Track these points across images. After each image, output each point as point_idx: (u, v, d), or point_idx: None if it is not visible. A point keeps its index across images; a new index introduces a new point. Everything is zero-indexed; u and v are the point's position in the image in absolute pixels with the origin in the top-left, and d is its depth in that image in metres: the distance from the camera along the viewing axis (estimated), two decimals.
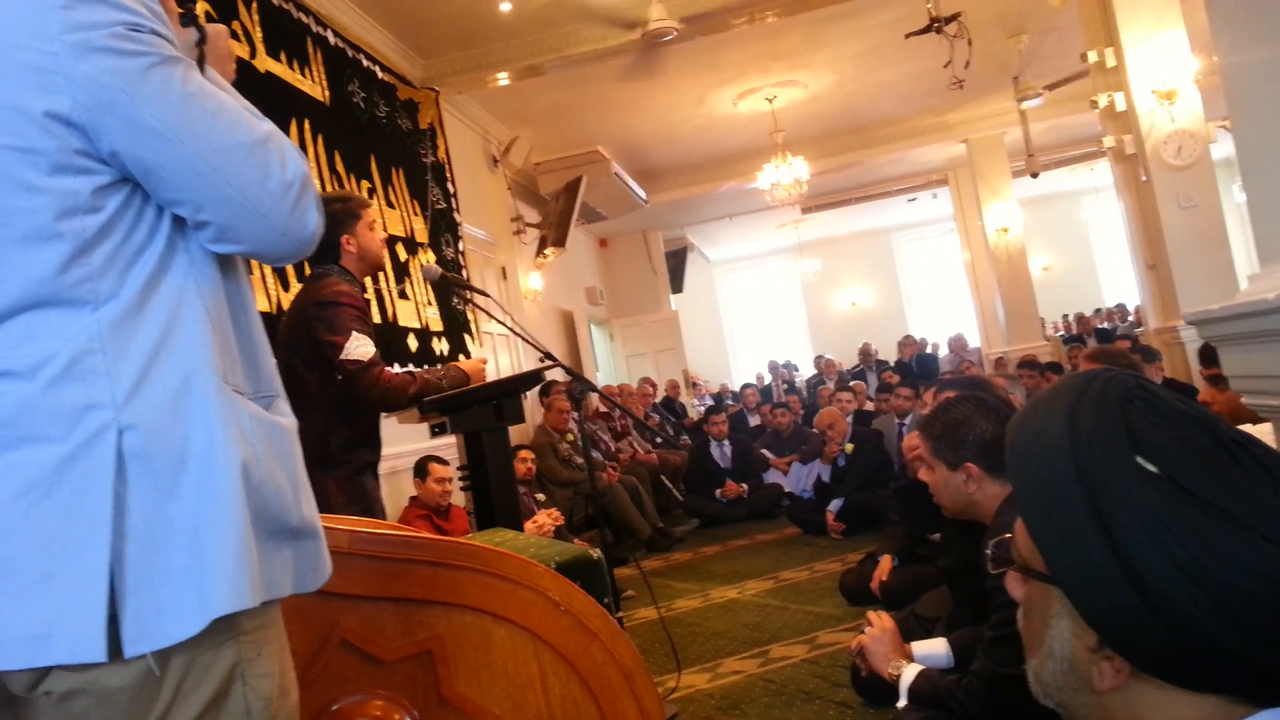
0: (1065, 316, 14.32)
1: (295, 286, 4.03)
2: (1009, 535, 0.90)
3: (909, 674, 2.33)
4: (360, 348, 2.74)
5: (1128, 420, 0.79)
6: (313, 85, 4.81)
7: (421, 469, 4.57)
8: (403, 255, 5.51)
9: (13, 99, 0.94)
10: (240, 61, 4.10)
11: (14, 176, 0.95)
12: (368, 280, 3.61)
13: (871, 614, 2.65)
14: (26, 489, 0.93)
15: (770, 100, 8.42)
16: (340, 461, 2.81)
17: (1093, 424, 0.80)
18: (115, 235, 0.99)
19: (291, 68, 4.61)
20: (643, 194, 10.08)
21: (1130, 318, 12.74)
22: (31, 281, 0.96)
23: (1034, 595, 0.87)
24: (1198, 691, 0.78)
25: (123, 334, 0.97)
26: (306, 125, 4.65)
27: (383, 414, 3.09)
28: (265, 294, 3.87)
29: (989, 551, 0.91)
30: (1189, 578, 0.73)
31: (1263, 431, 1.96)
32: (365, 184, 5.21)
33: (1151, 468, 0.76)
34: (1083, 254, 16.55)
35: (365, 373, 2.74)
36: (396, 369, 3.05)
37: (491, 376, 3.27)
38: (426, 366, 3.08)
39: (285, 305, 3.92)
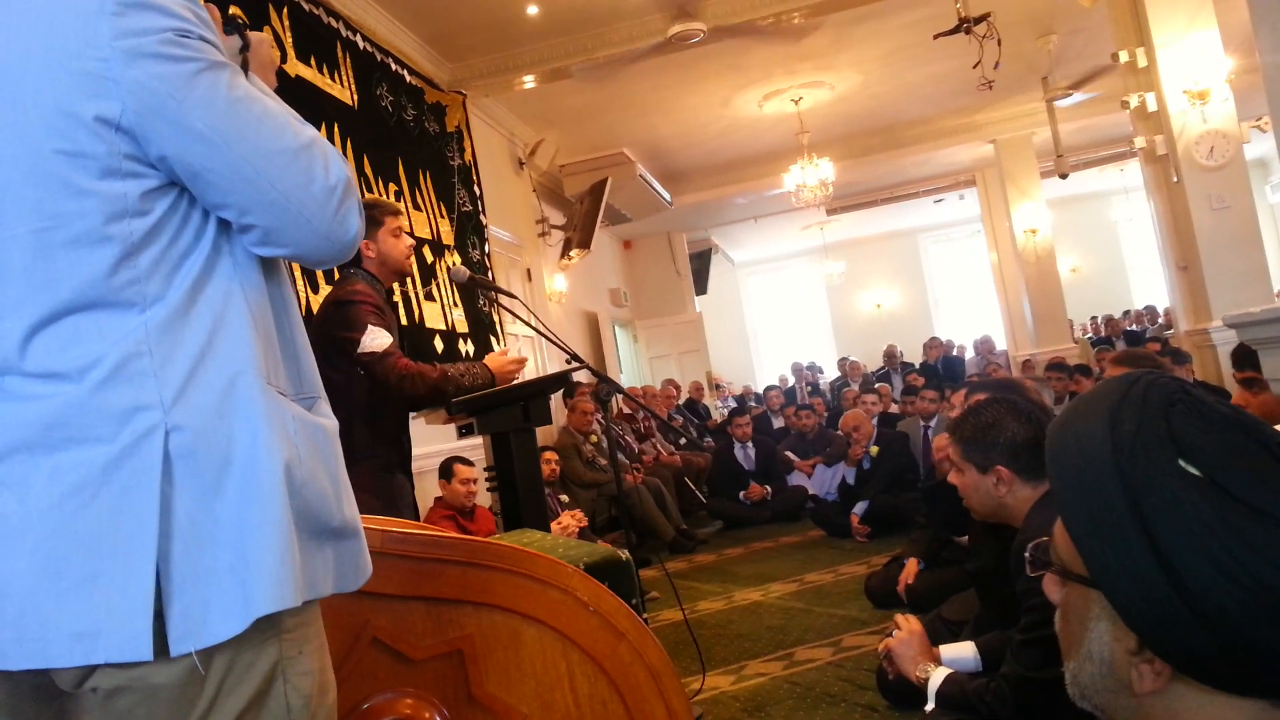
0: (1094, 318, 14.17)
1: (325, 289, 4.07)
2: (1047, 538, 0.90)
3: (937, 677, 2.32)
4: (375, 340, 2.83)
5: (1170, 423, 0.79)
6: (342, 89, 4.86)
7: (446, 470, 4.59)
8: (429, 257, 5.54)
9: (64, 104, 0.95)
10: None
11: (64, 180, 0.96)
12: (395, 284, 3.65)
13: (899, 617, 2.64)
14: (76, 490, 0.94)
15: (796, 101, 8.40)
16: (361, 457, 2.86)
17: (1135, 427, 0.80)
18: (162, 238, 1.00)
19: (321, 72, 4.65)
20: (667, 196, 10.09)
21: (1160, 320, 12.60)
22: (81, 284, 0.97)
23: (1073, 598, 0.86)
24: (1239, 695, 0.77)
25: (170, 336, 0.98)
26: (335, 129, 4.70)
27: (411, 413, 3.11)
28: (295, 296, 3.91)
29: (1027, 554, 0.91)
30: (1232, 580, 0.73)
31: None
32: (393, 187, 5.26)
33: (1194, 471, 0.76)
34: (1112, 255, 16.39)
35: (380, 362, 2.82)
36: None
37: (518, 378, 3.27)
38: (461, 362, 3.11)
39: (314, 307, 3.95)
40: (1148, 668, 0.80)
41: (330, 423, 1.13)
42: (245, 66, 1.12)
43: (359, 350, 2.80)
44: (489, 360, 3.13)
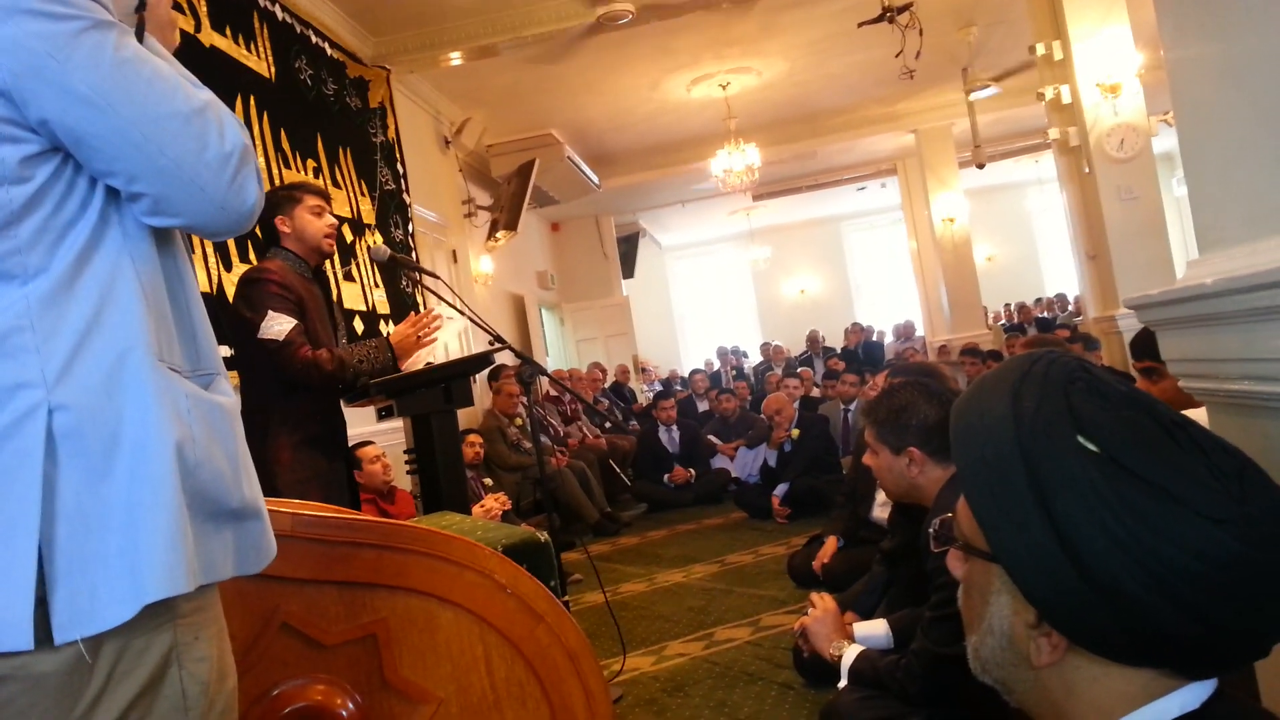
0: (1007, 305, 14.57)
1: (239, 267, 3.96)
2: (951, 514, 0.92)
3: (850, 655, 2.36)
4: (275, 326, 2.77)
5: (1069, 401, 0.81)
6: (259, 61, 4.70)
7: (354, 461, 4.52)
8: (349, 237, 5.42)
9: None
10: (184, 36, 4.00)
11: None
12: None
13: (814, 595, 2.70)
14: None
15: (724, 87, 8.42)
16: (276, 434, 2.82)
17: (1035, 404, 0.81)
18: (44, 207, 0.95)
19: (237, 43, 4.50)
20: (595, 178, 10.04)
21: (1070, 307, 13.01)
22: None
23: (975, 573, 0.88)
24: (1132, 665, 0.80)
25: (53, 310, 0.94)
26: (252, 102, 4.55)
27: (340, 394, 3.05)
28: (206, 274, 3.79)
29: (931, 530, 0.93)
30: (1127, 554, 0.75)
31: (1195, 418, 2.01)
32: (311, 163, 5.12)
33: (1092, 447, 0.78)
34: (1026, 244, 16.85)
35: (279, 352, 2.77)
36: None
37: (440, 360, 3.22)
38: (357, 343, 3.05)
39: (227, 285, 3.84)
40: (1045, 640, 0.82)
41: (229, 400, 1.09)
42: (141, 26, 1.06)
43: (259, 335, 2.76)
44: (393, 334, 3.07)
